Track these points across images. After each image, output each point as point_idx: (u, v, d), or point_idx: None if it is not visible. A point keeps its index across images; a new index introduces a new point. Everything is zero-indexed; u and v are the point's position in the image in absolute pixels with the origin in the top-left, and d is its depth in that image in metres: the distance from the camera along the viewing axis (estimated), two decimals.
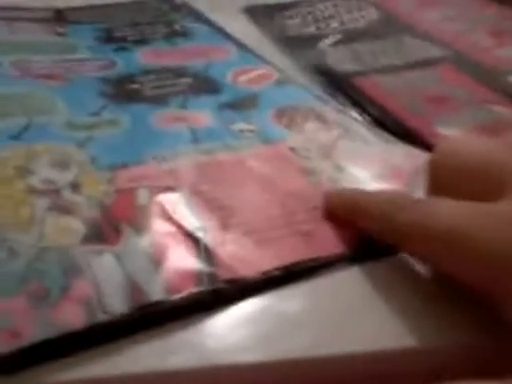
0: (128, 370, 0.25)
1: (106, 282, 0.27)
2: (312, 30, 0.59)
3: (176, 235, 0.31)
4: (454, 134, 0.41)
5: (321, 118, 0.43)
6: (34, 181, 0.33)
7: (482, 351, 0.28)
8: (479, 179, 0.28)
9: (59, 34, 0.52)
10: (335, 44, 0.55)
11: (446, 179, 0.30)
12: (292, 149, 0.39)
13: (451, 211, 0.26)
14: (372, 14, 0.62)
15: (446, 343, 0.27)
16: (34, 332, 0.25)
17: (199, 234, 0.31)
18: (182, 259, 0.29)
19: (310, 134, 0.41)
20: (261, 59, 0.51)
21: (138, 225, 0.31)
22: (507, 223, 0.24)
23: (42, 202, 0.31)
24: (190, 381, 0.26)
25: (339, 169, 0.37)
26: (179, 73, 0.47)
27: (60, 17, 0.55)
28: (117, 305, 0.26)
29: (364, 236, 0.31)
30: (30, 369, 0.24)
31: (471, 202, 0.26)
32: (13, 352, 0.24)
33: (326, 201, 0.34)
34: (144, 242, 0.30)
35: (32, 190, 0.32)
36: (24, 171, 0.34)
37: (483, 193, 0.27)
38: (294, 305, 0.29)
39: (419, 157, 0.38)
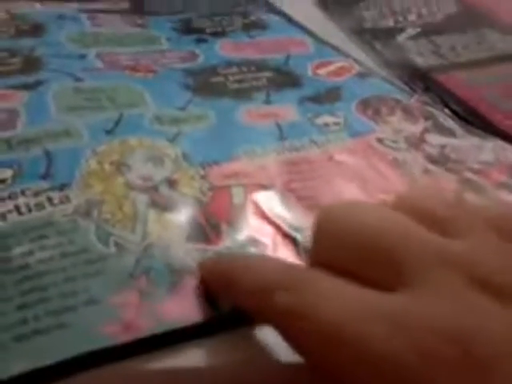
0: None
1: None
2: (390, 22, 0.58)
3: (274, 235, 0.31)
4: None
5: (406, 110, 0.43)
6: (132, 176, 0.33)
7: None
8: (367, 258, 0.22)
9: (139, 26, 0.52)
10: (414, 37, 0.55)
11: (327, 252, 0.24)
12: (380, 140, 0.39)
13: (338, 303, 0.21)
14: (450, 7, 0.61)
15: None
16: (144, 326, 0.25)
17: (297, 235, 0.31)
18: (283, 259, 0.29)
19: (396, 126, 0.41)
20: (338, 52, 0.51)
21: (237, 224, 0.31)
22: (404, 328, 0.20)
23: (142, 198, 0.32)
24: None
25: (431, 160, 0.37)
26: (260, 66, 0.47)
27: (136, 8, 0.56)
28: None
29: None
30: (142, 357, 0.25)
31: (362, 293, 0.21)
32: (125, 344, 0.25)
33: (200, 271, 0.28)
34: (244, 241, 0.30)
35: (131, 186, 0.33)
36: (121, 166, 0.34)
37: (373, 275, 0.22)
38: None
39: (510, 151, 0.39)
